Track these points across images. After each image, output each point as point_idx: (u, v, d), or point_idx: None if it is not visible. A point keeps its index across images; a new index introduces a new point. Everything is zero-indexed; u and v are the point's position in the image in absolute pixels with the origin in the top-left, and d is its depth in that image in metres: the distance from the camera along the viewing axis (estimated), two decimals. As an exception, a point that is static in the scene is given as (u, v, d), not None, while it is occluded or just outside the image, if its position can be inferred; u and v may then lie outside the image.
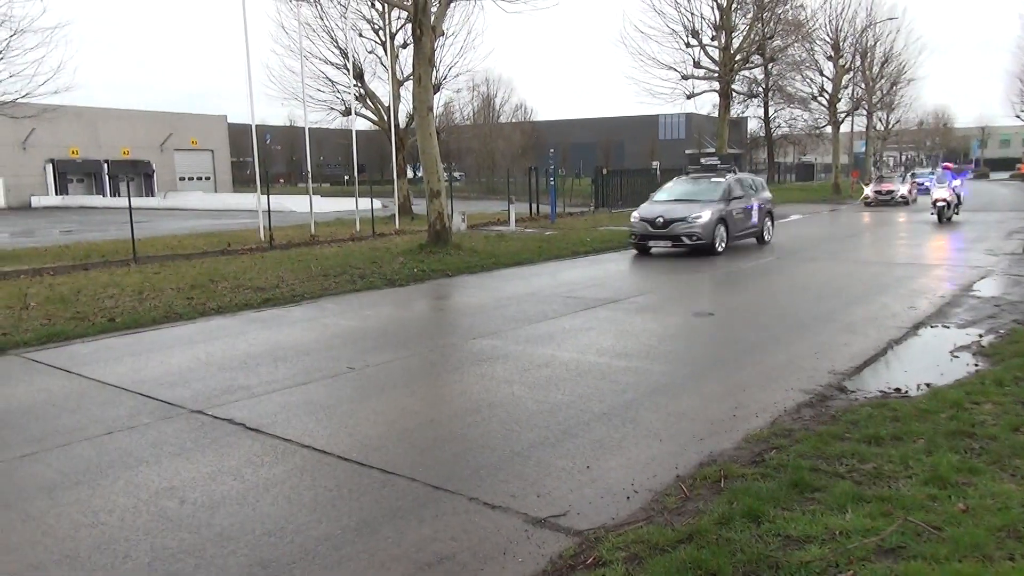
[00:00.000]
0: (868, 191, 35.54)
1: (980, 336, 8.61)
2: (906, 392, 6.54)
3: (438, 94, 30.87)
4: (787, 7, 35.71)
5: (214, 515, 4.46)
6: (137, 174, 55.44)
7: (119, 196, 51.01)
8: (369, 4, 28.75)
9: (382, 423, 6.15)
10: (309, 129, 26.24)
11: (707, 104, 75.48)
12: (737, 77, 33.57)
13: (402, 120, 30.26)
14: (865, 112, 53.47)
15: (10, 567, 3.97)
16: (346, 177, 69.88)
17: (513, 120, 70.01)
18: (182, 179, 59.89)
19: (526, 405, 6.46)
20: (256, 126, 21.92)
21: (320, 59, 29.60)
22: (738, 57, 31.05)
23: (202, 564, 3.92)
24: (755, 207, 18.56)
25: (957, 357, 7.75)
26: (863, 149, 61.69)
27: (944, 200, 23.87)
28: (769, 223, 19.47)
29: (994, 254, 16.24)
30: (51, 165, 52.72)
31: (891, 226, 24.91)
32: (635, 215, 17.68)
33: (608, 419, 6.04)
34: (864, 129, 57.01)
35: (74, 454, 5.54)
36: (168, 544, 4.12)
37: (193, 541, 4.15)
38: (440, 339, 9.52)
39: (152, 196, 53.83)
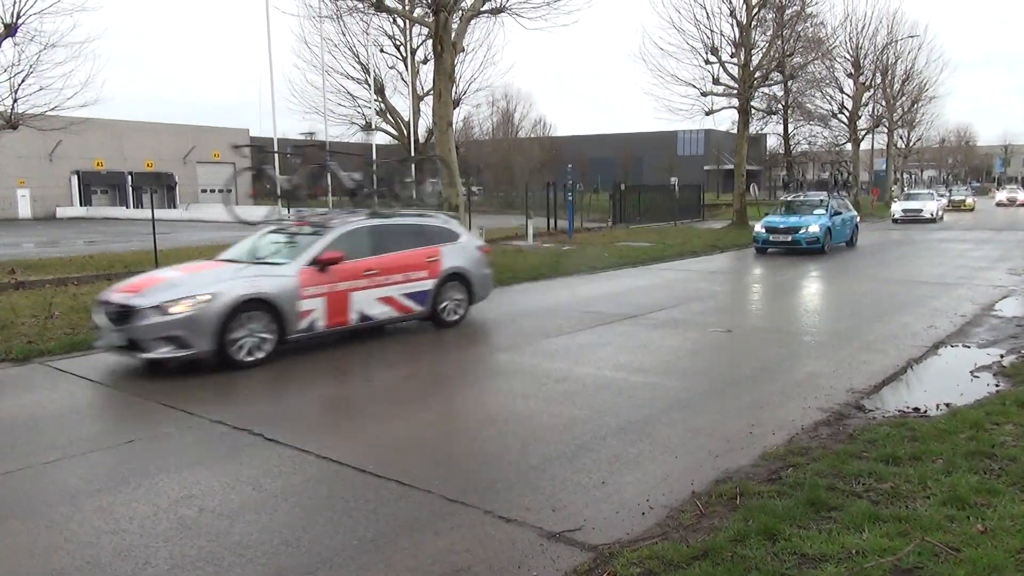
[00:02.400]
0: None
1: (1001, 356, 8.53)
2: (925, 411, 6.49)
3: (457, 109, 31.16)
4: (807, 24, 35.69)
5: (232, 524, 4.52)
6: (160, 186, 56.12)
7: (142, 207, 51.62)
8: (391, 20, 29.09)
9: (399, 435, 6.20)
10: (330, 143, 26.50)
11: (726, 120, 75.00)
12: (756, 94, 33.54)
13: (422, 135, 30.51)
14: (886, 130, 53.17)
15: (35, 572, 4.04)
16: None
17: (532, 135, 70.24)
18: (204, 191, 60.56)
19: (542, 419, 6.48)
20: (278, 139, 22.19)
21: (342, 74, 29.98)
22: (757, 74, 31.03)
23: (220, 572, 3.96)
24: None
25: (977, 377, 7.68)
26: (884, 167, 61.28)
27: None
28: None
29: (1016, 274, 16.07)
30: (76, 176, 53.56)
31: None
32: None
33: (624, 434, 6.04)
34: (885, 147, 56.67)
35: (96, 462, 5.63)
36: (187, 552, 4.18)
37: (212, 549, 4.20)
38: (457, 353, 9.56)
39: (174, 208, 54.45)
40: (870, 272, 17.33)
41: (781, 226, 21.03)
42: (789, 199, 24.46)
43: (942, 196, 52.24)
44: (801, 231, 20.56)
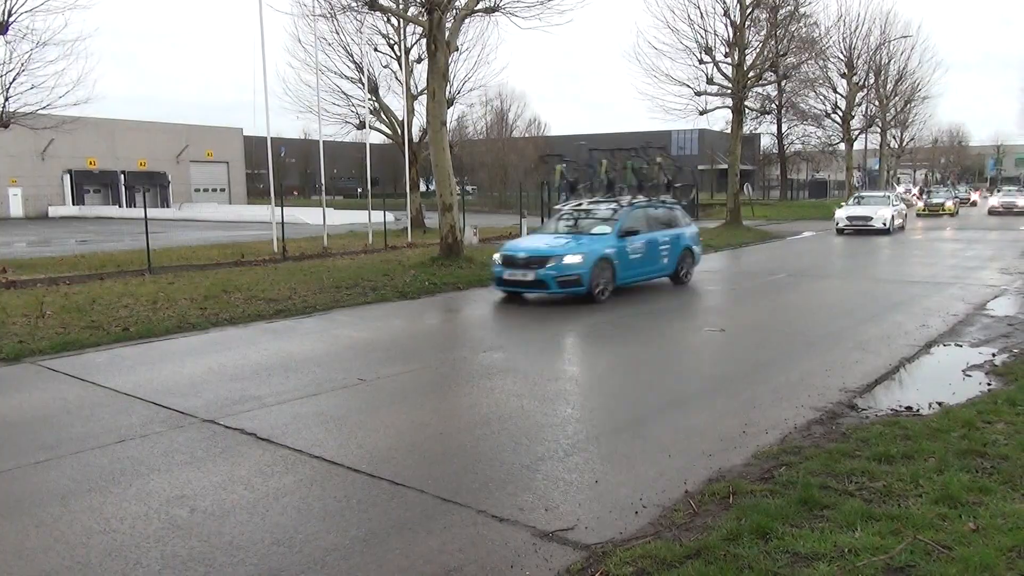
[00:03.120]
0: None
1: (993, 355, 8.56)
2: (917, 410, 6.51)
3: (451, 108, 31.08)
4: (801, 25, 35.80)
5: (224, 524, 4.50)
6: (153, 185, 55.96)
7: (135, 207, 51.46)
8: (385, 19, 29.01)
9: (392, 435, 6.18)
10: (323, 142, 26.45)
11: (720, 120, 75.36)
12: (750, 94, 33.57)
13: (416, 134, 30.45)
14: (879, 129, 53.38)
15: (24, 573, 4.01)
16: (359, 190, 70.25)
17: (526, 135, 70.23)
18: (197, 190, 60.42)
19: (535, 419, 6.47)
20: (271, 139, 22.13)
21: (335, 73, 29.88)
22: (751, 74, 31.07)
23: (212, 572, 3.95)
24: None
25: (969, 376, 7.71)
26: (877, 167, 61.49)
27: None
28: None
29: (1008, 273, 16.14)
30: (69, 175, 53.35)
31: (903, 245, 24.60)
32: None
33: (617, 434, 6.04)
34: (878, 147, 56.88)
35: (87, 462, 5.59)
36: (178, 552, 4.16)
37: (203, 549, 4.18)
38: (450, 352, 9.55)
39: (167, 207, 54.31)
40: (862, 273, 17.31)
41: (522, 255, 12.84)
42: (567, 208, 15.16)
43: (923, 197, 46.69)
44: (550, 264, 12.37)
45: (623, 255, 13.16)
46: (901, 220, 30.63)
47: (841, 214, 29.53)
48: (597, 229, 13.62)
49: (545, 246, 13.05)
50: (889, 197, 32.09)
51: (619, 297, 13.04)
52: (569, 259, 12.43)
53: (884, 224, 28.26)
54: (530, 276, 12.56)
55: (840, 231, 28.93)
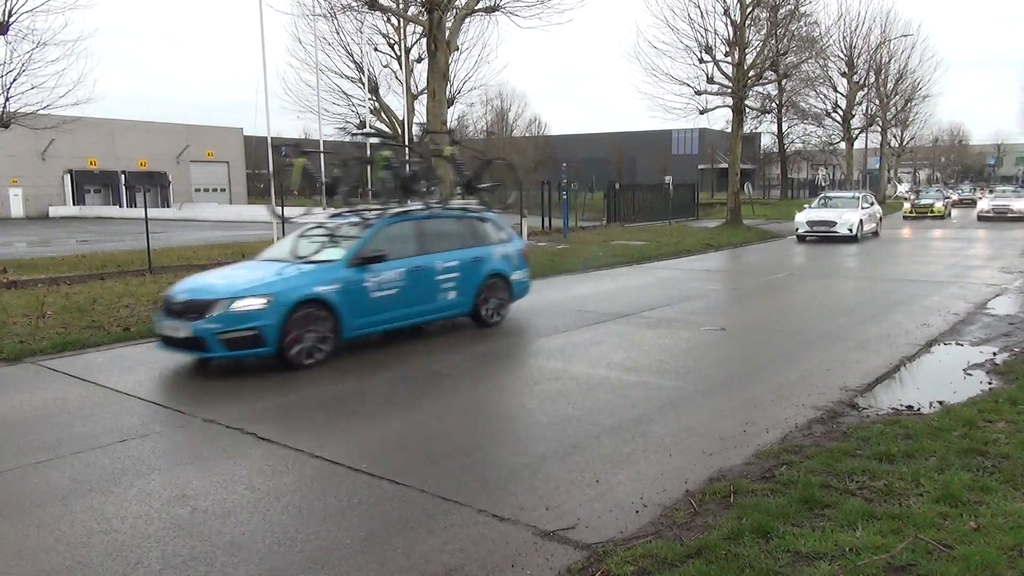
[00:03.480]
0: None
1: (994, 354, 8.56)
2: (918, 409, 6.51)
3: (452, 108, 31.13)
4: (801, 24, 35.78)
5: (225, 523, 4.50)
6: (153, 185, 55.97)
7: (135, 207, 51.46)
8: (385, 19, 29.07)
9: (392, 435, 6.18)
10: (323, 142, 26.45)
11: (720, 119, 75.60)
12: (750, 93, 33.57)
13: (416, 134, 30.46)
14: (879, 128, 53.41)
15: (25, 573, 4.02)
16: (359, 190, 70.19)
17: (526, 134, 70.22)
18: (197, 190, 60.43)
19: (536, 418, 6.47)
20: (271, 139, 22.11)
21: (336, 72, 29.97)
22: (751, 73, 31.06)
23: (213, 571, 3.95)
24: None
25: (970, 375, 7.71)
26: (877, 165, 61.50)
27: None
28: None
29: (1009, 272, 16.14)
30: (69, 175, 53.39)
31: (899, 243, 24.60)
32: None
33: (618, 433, 6.04)
34: (878, 145, 56.91)
35: (88, 461, 5.59)
36: (179, 551, 4.16)
37: (204, 549, 4.18)
38: (449, 352, 9.53)
39: (168, 207, 54.32)
40: (860, 272, 17.28)
41: (181, 298, 8.42)
42: (309, 223, 10.44)
43: (910, 198, 42.30)
44: (214, 313, 8.00)
45: (356, 293, 8.90)
46: (874, 225, 26.87)
47: (801, 218, 25.66)
48: (323, 255, 9.23)
49: (222, 283, 8.69)
50: (858, 198, 27.38)
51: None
52: (242, 304, 8.04)
53: (850, 230, 24.50)
54: (184, 331, 8.07)
55: (801, 238, 25.19)
